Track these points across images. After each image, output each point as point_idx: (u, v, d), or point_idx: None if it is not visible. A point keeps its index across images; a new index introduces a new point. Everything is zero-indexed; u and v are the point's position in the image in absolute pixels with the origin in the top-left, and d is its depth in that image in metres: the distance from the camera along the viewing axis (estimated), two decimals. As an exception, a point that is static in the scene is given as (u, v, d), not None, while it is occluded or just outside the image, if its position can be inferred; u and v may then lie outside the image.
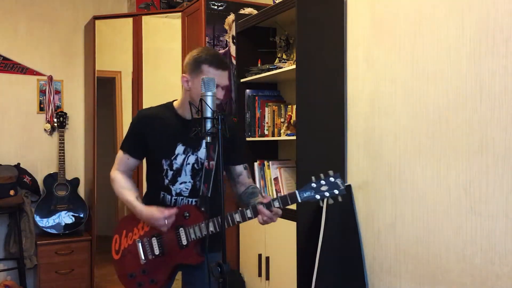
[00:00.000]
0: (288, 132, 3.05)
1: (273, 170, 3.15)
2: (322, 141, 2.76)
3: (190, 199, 1.99)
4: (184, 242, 1.93)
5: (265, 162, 3.22)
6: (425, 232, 2.35)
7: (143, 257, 1.99)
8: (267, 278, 2.99)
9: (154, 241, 1.97)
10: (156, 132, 1.99)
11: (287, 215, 2.69)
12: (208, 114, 1.58)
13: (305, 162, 2.71)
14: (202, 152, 1.98)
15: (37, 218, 4.08)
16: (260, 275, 3.06)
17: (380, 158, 2.60)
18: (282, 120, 3.19)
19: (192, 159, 1.98)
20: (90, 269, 4.19)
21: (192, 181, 1.99)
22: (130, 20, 4.15)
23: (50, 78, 4.42)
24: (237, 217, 1.84)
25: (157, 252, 1.97)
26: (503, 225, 2.00)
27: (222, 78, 1.92)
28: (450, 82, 2.22)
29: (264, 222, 1.81)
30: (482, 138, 2.08)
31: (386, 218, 2.57)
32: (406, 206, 2.45)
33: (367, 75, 2.68)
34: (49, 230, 4.11)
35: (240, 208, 1.85)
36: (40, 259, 3.99)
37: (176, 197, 2.00)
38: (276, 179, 3.13)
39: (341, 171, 2.81)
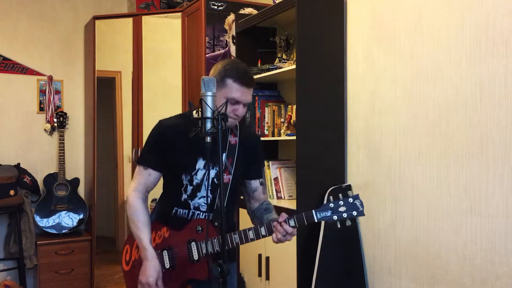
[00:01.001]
0: (288, 132, 3.05)
1: (273, 170, 3.15)
2: (322, 141, 2.76)
3: (207, 214, 1.91)
4: (196, 257, 1.86)
5: (265, 162, 3.22)
6: (425, 232, 2.35)
7: None
8: (267, 278, 2.99)
9: (165, 254, 1.89)
10: (177, 145, 1.89)
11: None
12: (208, 114, 1.57)
13: (305, 162, 2.71)
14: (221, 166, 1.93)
15: (37, 218, 4.08)
16: (260, 275, 3.05)
17: (380, 158, 2.60)
18: (282, 120, 3.19)
19: (212, 173, 1.90)
20: (90, 269, 4.19)
21: (211, 195, 1.91)
22: (130, 20, 4.15)
23: (50, 78, 4.42)
24: (251, 234, 1.78)
25: (167, 265, 1.89)
26: (503, 225, 2.00)
27: (246, 95, 1.85)
28: (450, 82, 2.22)
29: (278, 241, 1.76)
30: (482, 138, 2.08)
31: (386, 218, 2.57)
32: (406, 206, 2.45)
33: (367, 75, 2.68)
34: (49, 230, 4.11)
35: (254, 226, 1.81)
36: (40, 259, 3.99)
37: (193, 211, 1.91)
38: (276, 179, 3.14)
39: (341, 171, 2.81)
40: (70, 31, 4.53)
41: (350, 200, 1.72)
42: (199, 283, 1.91)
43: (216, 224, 1.87)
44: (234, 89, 1.82)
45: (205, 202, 1.90)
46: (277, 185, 3.13)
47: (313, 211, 1.74)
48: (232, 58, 3.52)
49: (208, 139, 1.58)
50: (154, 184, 1.95)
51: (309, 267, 2.61)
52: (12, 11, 4.30)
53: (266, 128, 3.27)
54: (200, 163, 1.89)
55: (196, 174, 1.89)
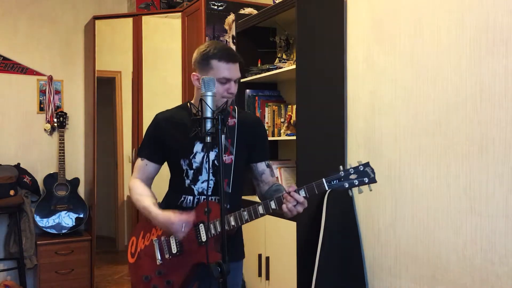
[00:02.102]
0: (288, 132, 3.05)
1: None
2: (322, 141, 2.76)
3: (213, 197, 1.89)
4: (204, 238, 1.81)
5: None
6: (425, 232, 2.35)
7: (159, 257, 1.88)
8: (267, 278, 2.99)
9: (172, 239, 1.86)
10: (173, 133, 1.91)
11: (287, 215, 2.68)
12: (208, 114, 1.57)
13: (305, 162, 2.71)
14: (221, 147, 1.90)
15: (37, 218, 4.08)
16: (260, 275, 3.05)
17: (380, 158, 2.60)
18: (282, 120, 3.19)
19: (212, 155, 1.88)
20: (90, 269, 4.19)
21: (214, 178, 1.89)
22: (130, 20, 4.15)
23: (50, 78, 4.42)
24: (260, 209, 1.74)
25: (174, 250, 1.86)
26: (503, 225, 2.00)
27: (234, 71, 1.83)
28: (450, 82, 2.22)
29: (289, 211, 1.69)
30: (482, 138, 2.08)
31: (386, 218, 2.57)
32: (406, 206, 2.45)
33: (367, 75, 2.68)
34: (49, 230, 4.11)
35: (263, 201, 1.77)
36: (40, 259, 3.99)
37: (199, 197, 1.90)
38: (276, 179, 3.13)
39: (341, 171, 2.81)
40: (70, 31, 4.53)
41: (361, 168, 1.66)
42: (206, 284, 1.86)
43: (225, 205, 1.81)
44: (222, 68, 1.80)
45: (209, 185, 1.89)
46: (277, 185, 3.13)
47: (323, 180, 1.67)
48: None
49: (208, 139, 1.58)
50: (153, 173, 1.98)
51: (309, 267, 2.61)
52: (12, 11, 4.30)
53: (266, 128, 3.27)
54: (198, 146, 1.89)
55: (194, 157, 1.89)
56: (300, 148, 2.71)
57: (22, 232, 3.97)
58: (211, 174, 1.89)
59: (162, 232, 1.88)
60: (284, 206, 1.70)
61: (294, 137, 2.80)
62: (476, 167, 2.11)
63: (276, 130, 3.22)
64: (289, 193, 1.69)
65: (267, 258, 2.99)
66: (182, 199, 1.91)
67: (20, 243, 3.92)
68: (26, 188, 4.10)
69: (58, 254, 4.04)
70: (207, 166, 1.88)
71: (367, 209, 2.69)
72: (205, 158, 1.89)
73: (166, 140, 1.93)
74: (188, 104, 1.96)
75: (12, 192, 3.90)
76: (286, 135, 3.05)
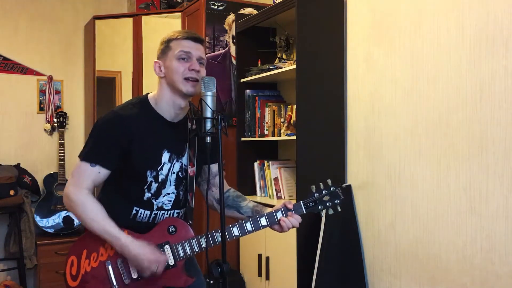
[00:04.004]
0: (288, 132, 3.05)
1: (273, 170, 3.15)
2: (322, 141, 2.76)
3: (172, 211, 1.75)
4: (171, 261, 1.65)
5: (265, 162, 3.22)
6: (425, 232, 2.34)
7: (114, 282, 1.65)
8: (267, 278, 2.99)
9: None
10: (141, 139, 1.67)
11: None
12: (208, 114, 1.56)
13: (305, 162, 2.71)
14: (186, 158, 1.75)
15: (37, 218, 4.08)
16: (260, 275, 3.05)
17: (380, 158, 2.60)
18: (282, 120, 3.19)
19: (177, 166, 1.73)
20: (90, 269, 4.19)
21: (175, 191, 1.75)
22: (130, 20, 4.15)
23: (50, 78, 4.42)
24: (249, 226, 1.69)
25: (135, 275, 1.66)
26: (503, 225, 2.00)
27: (197, 49, 1.70)
28: (450, 82, 2.22)
29: (286, 227, 1.73)
30: (482, 138, 2.08)
31: (386, 218, 2.57)
32: (406, 206, 2.45)
33: (367, 75, 2.68)
34: (49, 230, 4.11)
35: (252, 217, 1.73)
36: (40, 259, 3.99)
37: (156, 212, 1.72)
38: (276, 179, 3.13)
39: (341, 171, 2.81)
40: (70, 31, 4.53)
41: (332, 188, 1.77)
42: None
43: (190, 222, 1.73)
44: (181, 43, 1.69)
45: (169, 199, 1.73)
46: (277, 185, 3.13)
47: (301, 203, 1.76)
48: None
49: (208, 139, 1.56)
50: (101, 181, 1.71)
51: (309, 267, 2.61)
52: (12, 11, 4.30)
53: (266, 128, 3.27)
54: (165, 157, 1.71)
55: (161, 169, 1.70)
56: (300, 148, 2.71)
57: (22, 232, 3.97)
58: (173, 188, 1.74)
59: (114, 253, 1.67)
60: (284, 224, 1.73)
61: (294, 137, 2.80)
62: (476, 167, 2.11)
63: (276, 130, 3.22)
64: (289, 210, 1.74)
65: (267, 258, 2.99)
66: (135, 211, 1.71)
67: (20, 243, 3.92)
68: (26, 188, 4.10)
69: (58, 254, 4.04)
70: (172, 179, 1.72)
71: (367, 209, 2.69)
72: (171, 169, 1.73)
73: (133, 147, 1.66)
74: (149, 100, 1.75)
75: (12, 192, 3.90)
76: (286, 135, 3.05)
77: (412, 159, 2.41)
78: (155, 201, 1.73)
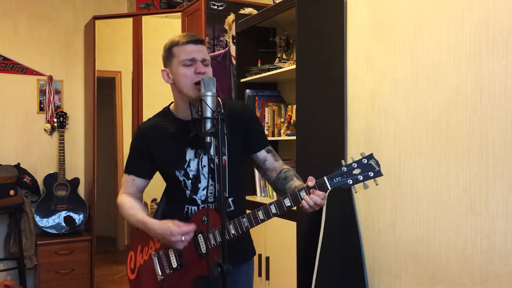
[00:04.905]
0: (288, 132, 3.05)
1: (273, 170, 3.15)
2: (322, 141, 2.76)
3: (216, 203, 1.77)
4: (204, 250, 1.71)
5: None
6: (425, 232, 2.34)
7: (160, 272, 1.77)
8: (267, 278, 2.99)
9: (171, 252, 1.76)
10: (160, 143, 1.80)
11: (287, 215, 2.68)
12: (208, 114, 1.56)
13: (305, 162, 2.71)
14: (213, 150, 1.74)
15: (37, 218, 4.08)
16: (260, 275, 3.05)
17: (380, 158, 2.59)
18: (282, 120, 3.19)
19: (205, 159, 1.77)
20: (90, 269, 4.19)
21: (213, 183, 1.77)
22: (130, 20, 4.15)
23: (50, 78, 4.42)
24: (273, 208, 1.60)
25: (175, 265, 1.75)
26: (503, 225, 2.00)
27: (196, 52, 1.73)
28: (450, 82, 2.22)
29: (310, 207, 1.58)
30: (482, 138, 2.08)
31: (386, 218, 2.57)
32: (406, 206, 2.45)
33: (367, 75, 2.68)
34: (49, 230, 4.11)
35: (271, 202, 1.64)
36: (40, 259, 3.99)
37: (203, 205, 1.78)
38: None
39: (341, 171, 2.81)
40: (70, 31, 4.53)
41: (364, 161, 1.56)
42: (211, 283, 1.73)
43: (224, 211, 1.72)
44: (182, 51, 1.74)
45: (210, 192, 1.77)
46: (277, 185, 3.12)
47: (325, 178, 1.56)
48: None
49: (208, 139, 1.57)
50: (142, 188, 1.89)
51: (309, 267, 2.61)
52: (12, 11, 4.30)
53: (266, 128, 3.27)
54: (190, 154, 1.78)
55: (189, 165, 1.78)
56: (300, 148, 2.71)
57: (22, 232, 3.97)
58: (210, 180, 1.77)
59: (160, 245, 1.79)
60: (304, 202, 1.57)
61: (294, 137, 2.80)
62: (476, 167, 2.11)
63: (276, 130, 3.22)
64: (310, 188, 1.58)
65: (267, 258, 2.99)
66: (186, 209, 1.80)
67: (20, 243, 3.93)
68: (26, 188, 4.11)
69: (58, 254, 4.04)
70: (204, 172, 1.77)
71: (367, 209, 2.69)
72: (200, 164, 1.77)
73: (155, 151, 1.80)
74: (170, 108, 1.88)
75: (12, 192, 3.91)
76: (286, 135, 3.05)
77: (412, 159, 2.41)
78: (196, 196, 1.79)
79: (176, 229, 1.65)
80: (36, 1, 4.39)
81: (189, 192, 1.78)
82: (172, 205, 1.86)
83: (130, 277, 1.89)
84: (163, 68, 1.83)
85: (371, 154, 1.57)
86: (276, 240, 2.92)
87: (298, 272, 2.67)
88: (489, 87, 2.05)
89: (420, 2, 2.36)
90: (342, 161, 1.58)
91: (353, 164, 1.57)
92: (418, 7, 2.37)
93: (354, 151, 2.78)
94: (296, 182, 1.78)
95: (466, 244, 2.15)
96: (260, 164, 1.87)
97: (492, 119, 2.04)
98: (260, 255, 3.04)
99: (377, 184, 1.56)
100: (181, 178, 1.78)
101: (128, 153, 1.91)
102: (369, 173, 1.55)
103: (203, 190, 1.78)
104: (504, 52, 1.99)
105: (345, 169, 1.56)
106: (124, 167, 1.92)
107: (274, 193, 3.12)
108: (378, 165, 1.56)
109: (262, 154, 1.87)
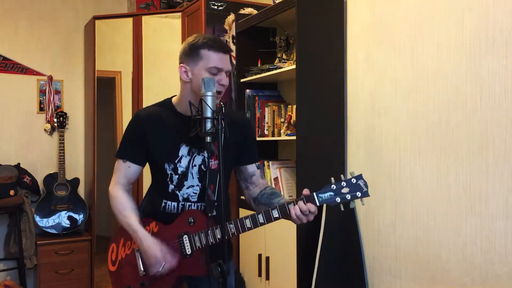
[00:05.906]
0: (288, 132, 3.05)
1: (273, 170, 3.15)
2: (322, 141, 2.76)
3: (199, 204, 1.81)
4: (188, 251, 1.74)
5: (265, 162, 3.22)
6: (425, 232, 2.34)
7: (142, 268, 1.78)
8: (267, 278, 2.99)
9: None
10: (157, 133, 1.80)
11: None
12: (208, 114, 1.56)
13: (305, 162, 2.71)
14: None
15: (37, 218, 4.08)
16: (260, 275, 3.05)
17: (380, 158, 2.60)
18: (282, 120, 3.19)
19: (198, 160, 1.79)
20: (90, 269, 4.19)
21: (200, 184, 1.80)
22: (130, 20, 4.15)
23: (50, 78, 4.42)
24: (261, 218, 1.66)
25: None
26: (503, 225, 2.00)
27: (225, 61, 1.76)
28: (450, 82, 2.22)
29: (297, 218, 1.64)
30: (482, 138, 2.08)
31: (386, 218, 2.57)
32: (406, 206, 2.45)
33: (367, 75, 2.68)
34: (49, 230, 4.11)
35: (264, 210, 1.69)
36: (40, 259, 3.99)
37: (183, 203, 1.80)
38: (276, 179, 3.13)
39: (341, 171, 2.81)
40: (70, 31, 4.53)
41: (353, 180, 1.62)
42: (194, 280, 1.84)
43: (209, 214, 1.77)
44: (212, 57, 1.72)
45: (194, 192, 1.79)
46: (277, 185, 3.13)
47: (314, 194, 1.63)
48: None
49: (208, 139, 1.57)
50: (135, 175, 1.87)
51: (309, 267, 2.61)
52: (12, 11, 4.30)
53: (266, 128, 3.27)
54: (183, 150, 1.79)
55: (180, 161, 1.79)
56: (300, 148, 2.71)
57: (22, 232, 3.97)
58: (197, 180, 1.80)
59: None
60: (292, 212, 1.63)
61: (294, 137, 2.80)
62: (476, 167, 2.11)
63: (276, 130, 3.22)
64: (302, 199, 1.64)
65: (267, 258, 2.99)
66: (164, 204, 1.82)
67: (20, 243, 3.92)
68: (26, 188, 4.11)
69: (58, 254, 4.04)
70: (193, 171, 1.79)
71: (367, 209, 2.69)
72: (191, 162, 1.79)
73: (150, 140, 1.80)
74: (172, 100, 1.87)
75: (12, 192, 3.90)
76: (286, 135, 3.05)
77: (412, 159, 2.41)
78: (179, 192, 1.81)
79: (161, 260, 1.71)
80: (36, 1, 4.39)
81: (172, 186, 1.80)
82: (151, 199, 1.89)
83: (110, 269, 1.91)
84: (181, 64, 1.78)
85: (360, 174, 1.63)
86: (276, 240, 2.92)
87: (298, 272, 2.67)
88: (489, 87, 2.05)
89: (420, 2, 2.36)
90: (332, 178, 1.65)
91: (342, 183, 1.63)
92: (418, 7, 2.37)
93: (354, 151, 2.78)
94: (283, 200, 1.81)
95: (466, 244, 2.15)
96: (247, 177, 1.91)
97: (492, 119, 2.04)
98: (260, 255, 3.04)
99: (363, 204, 1.64)
100: (168, 172, 1.80)
101: (122, 137, 1.88)
102: (357, 193, 1.62)
103: (188, 188, 1.80)
104: (504, 52, 1.99)
105: (334, 187, 1.63)
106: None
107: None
108: (366, 186, 1.63)
109: (252, 168, 1.91)
